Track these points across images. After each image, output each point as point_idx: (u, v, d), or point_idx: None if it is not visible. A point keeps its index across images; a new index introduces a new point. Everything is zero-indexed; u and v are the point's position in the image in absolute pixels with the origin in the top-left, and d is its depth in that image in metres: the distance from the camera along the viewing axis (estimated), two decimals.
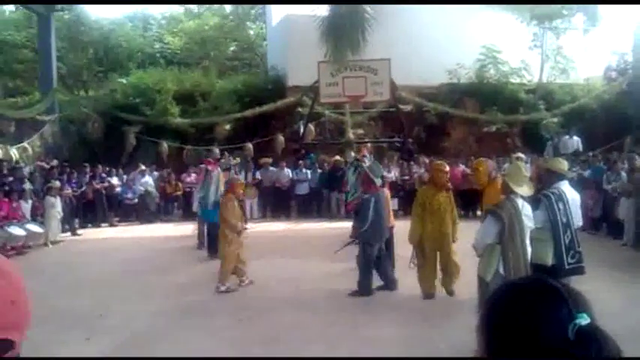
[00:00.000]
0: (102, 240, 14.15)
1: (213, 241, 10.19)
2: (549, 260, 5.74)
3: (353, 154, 15.50)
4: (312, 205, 17.30)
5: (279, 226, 15.52)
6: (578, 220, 6.15)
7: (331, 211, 16.64)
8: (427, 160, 17.07)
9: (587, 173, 14.17)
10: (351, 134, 18.23)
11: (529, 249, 5.63)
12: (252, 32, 29.56)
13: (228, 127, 19.09)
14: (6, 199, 12.71)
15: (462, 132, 19.91)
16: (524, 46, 20.34)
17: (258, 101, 19.10)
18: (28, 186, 14.16)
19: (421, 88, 19.25)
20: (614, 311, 6.46)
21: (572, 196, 6.01)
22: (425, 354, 5.61)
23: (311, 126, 18.63)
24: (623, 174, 12.75)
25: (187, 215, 15.71)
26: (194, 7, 30.73)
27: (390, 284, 8.12)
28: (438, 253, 7.72)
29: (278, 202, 17.31)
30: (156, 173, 17.65)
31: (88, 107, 19.61)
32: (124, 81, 21.18)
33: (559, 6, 19.98)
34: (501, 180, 6.13)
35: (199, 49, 26.39)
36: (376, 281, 8.14)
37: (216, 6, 30.21)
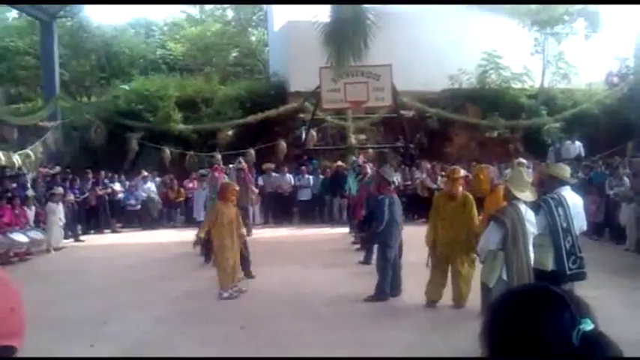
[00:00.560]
0: (104, 246, 14.16)
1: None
2: (549, 266, 5.74)
3: (354, 158, 15.55)
4: (315, 211, 17.30)
5: (282, 232, 15.51)
6: (582, 224, 6.15)
7: (333, 217, 16.64)
8: (429, 166, 17.09)
9: (589, 178, 14.17)
10: (353, 140, 18.27)
11: (532, 255, 5.63)
12: (254, 38, 29.61)
13: (230, 133, 19.11)
14: (8, 206, 12.73)
15: (463, 137, 19.92)
16: (525, 52, 20.36)
17: (261, 107, 19.12)
18: (30, 192, 14.18)
19: (423, 93, 19.27)
20: (617, 317, 6.45)
21: (574, 201, 6.00)
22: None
23: (313, 132, 18.66)
24: (626, 179, 12.75)
25: (190, 221, 15.72)
26: (196, 14, 30.80)
27: (394, 290, 8.11)
28: (452, 262, 7.58)
29: (280, 208, 17.31)
30: (158, 179, 17.67)
31: (90, 114, 19.64)
32: (127, 87, 21.22)
33: (560, 11, 20.01)
34: (503, 186, 6.14)
35: (201, 56, 26.44)
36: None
37: (218, 12, 30.28)
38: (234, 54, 28.56)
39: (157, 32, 28.71)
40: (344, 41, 14.98)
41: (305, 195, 17.14)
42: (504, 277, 5.57)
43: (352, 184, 13.31)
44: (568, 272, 5.74)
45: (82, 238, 14.99)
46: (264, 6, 25.98)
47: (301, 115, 19.17)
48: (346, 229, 14.11)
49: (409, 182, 16.76)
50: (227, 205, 8.60)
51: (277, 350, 6.09)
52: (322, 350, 5.91)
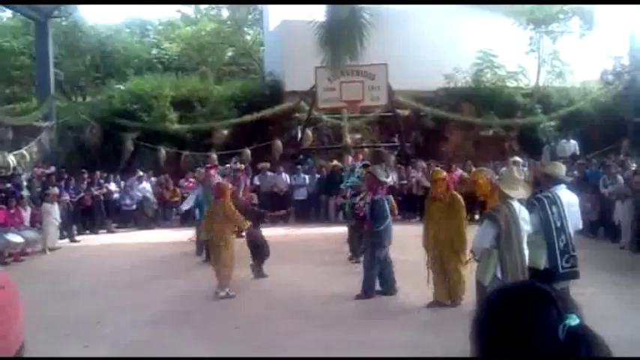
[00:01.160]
0: (100, 246, 14.12)
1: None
2: (542, 264, 5.75)
3: (351, 159, 15.54)
4: (310, 211, 17.29)
5: (277, 232, 15.49)
6: (577, 222, 6.16)
7: (329, 216, 16.64)
8: (425, 165, 17.11)
9: (584, 177, 14.20)
10: (348, 139, 18.26)
11: (526, 253, 5.64)
12: (249, 38, 29.59)
13: (225, 132, 19.09)
14: (3, 206, 12.70)
15: (459, 136, 19.94)
16: (520, 50, 20.40)
17: (256, 107, 19.11)
18: (25, 193, 14.15)
19: (418, 92, 19.28)
20: (612, 314, 6.48)
21: (569, 199, 6.01)
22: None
23: (309, 131, 18.66)
24: (619, 177, 12.79)
25: (185, 221, 15.70)
26: (191, 13, 30.78)
27: (390, 289, 8.12)
28: (444, 262, 7.58)
29: (276, 208, 17.27)
30: (154, 179, 17.63)
31: (85, 114, 19.60)
32: (122, 87, 21.19)
33: (555, 10, 20.06)
34: (497, 188, 6.16)
35: (197, 55, 26.41)
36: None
37: (213, 12, 30.26)
38: (229, 53, 28.55)
39: (152, 32, 28.69)
40: (339, 41, 14.99)
41: (301, 194, 17.13)
42: (499, 275, 5.59)
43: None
44: (561, 271, 5.74)
45: (77, 238, 14.95)
46: (260, 5, 25.96)
47: (297, 115, 19.16)
48: (342, 229, 14.08)
49: (405, 181, 16.77)
50: (222, 205, 8.63)
51: (272, 350, 6.10)
52: (317, 350, 5.92)
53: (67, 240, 14.55)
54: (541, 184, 6.65)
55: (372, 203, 8.29)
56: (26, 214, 13.33)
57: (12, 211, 12.78)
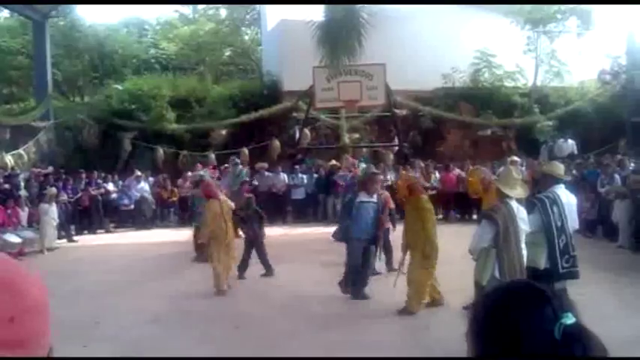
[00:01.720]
0: (98, 246, 14.11)
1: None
2: (542, 264, 5.75)
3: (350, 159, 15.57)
4: (309, 210, 17.29)
5: (276, 231, 15.49)
6: (574, 223, 6.17)
7: (327, 216, 16.63)
8: (422, 164, 17.12)
9: (582, 176, 14.23)
10: (346, 139, 18.27)
11: (525, 252, 5.65)
12: (247, 37, 29.58)
13: (223, 132, 19.08)
14: (1, 206, 12.69)
15: (457, 136, 19.96)
16: (518, 50, 20.43)
17: (254, 106, 19.11)
18: (23, 193, 14.14)
19: (416, 92, 19.31)
20: (610, 314, 6.49)
21: (567, 199, 6.02)
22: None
23: (307, 131, 18.66)
24: (617, 176, 12.81)
25: (184, 221, 15.69)
26: (189, 13, 30.76)
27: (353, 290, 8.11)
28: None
29: (274, 207, 17.28)
30: (152, 179, 17.62)
31: (83, 113, 19.58)
32: (120, 87, 21.16)
33: (553, 10, 20.09)
34: (495, 188, 6.15)
35: (194, 55, 26.37)
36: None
37: (211, 12, 30.25)
38: (227, 53, 28.51)
39: (150, 32, 28.62)
40: (337, 40, 15.01)
41: (299, 194, 17.13)
42: (497, 274, 5.59)
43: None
44: (561, 270, 5.75)
45: (75, 238, 14.94)
46: (258, 5, 25.95)
47: (295, 115, 19.16)
48: None
49: None
50: (214, 203, 8.71)
51: (271, 350, 6.10)
52: (316, 350, 5.92)
53: (64, 240, 14.53)
54: (539, 183, 6.66)
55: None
56: (24, 214, 13.32)
57: (9, 211, 12.78)
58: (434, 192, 16.39)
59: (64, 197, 14.94)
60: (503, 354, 1.10)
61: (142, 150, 18.84)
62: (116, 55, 24.85)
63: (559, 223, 5.77)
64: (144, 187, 17.01)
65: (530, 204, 5.95)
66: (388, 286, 8.06)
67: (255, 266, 9.80)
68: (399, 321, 7.05)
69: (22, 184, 14.79)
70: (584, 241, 11.11)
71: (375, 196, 8.12)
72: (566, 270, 5.78)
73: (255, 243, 9.64)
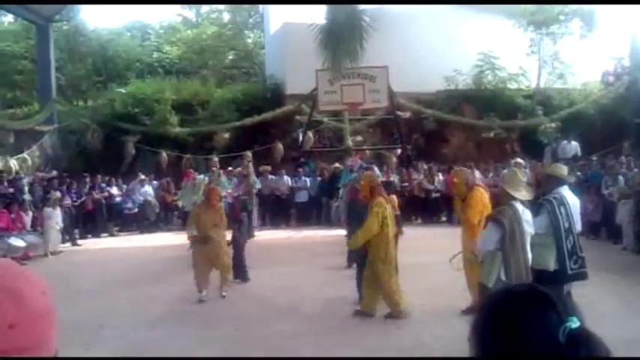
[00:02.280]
0: (102, 250, 14.13)
1: None
2: (552, 266, 5.75)
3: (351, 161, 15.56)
4: (312, 213, 17.29)
5: (279, 234, 15.51)
6: (577, 224, 6.16)
7: (330, 219, 16.62)
8: (426, 167, 17.13)
9: (586, 178, 14.20)
10: (349, 141, 18.26)
11: (530, 254, 5.64)
12: (250, 41, 29.63)
13: (227, 135, 19.09)
14: (5, 210, 12.72)
15: (460, 138, 19.93)
16: (521, 52, 20.39)
17: (257, 110, 19.13)
18: (27, 197, 14.17)
19: (419, 94, 19.29)
20: (613, 315, 6.47)
21: (572, 201, 6.03)
22: None
23: (310, 134, 18.65)
24: (621, 178, 12.78)
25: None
26: (192, 17, 30.84)
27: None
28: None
29: (277, 210, 17.31)
30: (155, 182, 17.65)
31: (87, 117, 19.62)
32: (123, 91, 21.20)
33: (556, 11, 20.06)
34: (500, 189, 6.13)
35: (198, 59, 26.44)
36: None
37: (214, 15, 30.32)
38: (230, 57, 28.57)
39: (153, 35, 28.71)
40: (340, 43, 14.99)
41: (302, 197, 17.15)
42: (503, 277, 5.58)
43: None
44: (569, 272, 5.75)
45: (79, 242, 14.97)
46: (260, 9, 26.01)
47: (298, 118, 19.16)
48: (343, 231, 14.09)
49: (406, 184, 16.78)
50: (207, 211, 8.67)
51: (272, 352, 6.10)
52: (317, 353, 5.92)
53: (68, 244, 14.56)
54: (543, 184, 6.65)
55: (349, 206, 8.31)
56: (28, 218, 13.35)
57: (14, 215, 12.80)
58: (437, 194, 16.46)
59: (67, 201, 14.97)
60: (507, 357, 1.10)
61: (145, 153, 18.87)
62: (119, 58, 24.93)
63: (567, 225, 5.78)
64: (147, 190, 17.04)
65: (538, 205, 5.95)
66: None
67: (256, 270, 9.80)
68: (401, 324, 7.03)
69: (26, 188, 14.83)
70: (588, 242, 11.06)
71: None
72: (575, 271, 5.78)
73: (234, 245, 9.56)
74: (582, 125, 18.93)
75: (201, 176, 14.98)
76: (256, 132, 19.08)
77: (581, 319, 1.09)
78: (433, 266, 7.40)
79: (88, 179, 16.46)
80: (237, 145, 18.69)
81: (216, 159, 17.52)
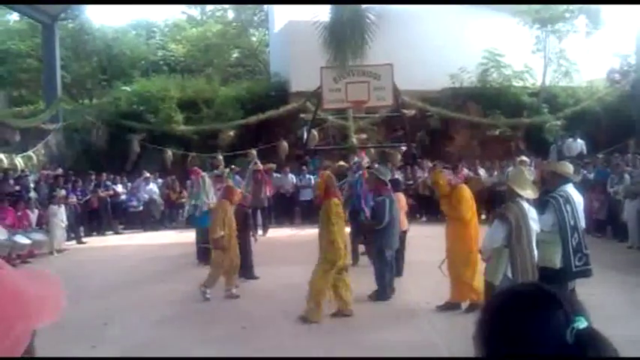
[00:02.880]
0: (106, 248, 14.17)
1: (202, 248, 10.32)
2: (557, 263, 5.74)
3: (357, 158, 15.53)
4: (316, 211, 17.24)
5: (284, 232, 15.51)
6: (582, 222, 6.16)
7: None
8: (430, 165, 17.08)
9: (592, 176, 14.15)
10: (354, 139, 18.26)
11: (536, 252, 5.63)
12: (254, 39, 29.65)
13: (231, 133, 19.12)
14: (11, 208, 12.76)
15: (465, 136, 19.89)
16: (526, 50, 20.33)
17: (262, 108, 19.13)
18: (33, 194, 14.22)
19: (424, 92, 19.25)
20: (619, 314, 6.45)
21: (577, 198, 6.03)
22: None
23: (314, 132, 18.66)
24: (626, 176, 12.73)
25: (190, 222, 15.71)
26: (197, 15, 30.85)
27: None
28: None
29: (282, 208, 17.30)
30: (160, 180, 17.68)
31: (92, 115, 19.68)
32: (128, 89, 21.24)
33: (561, 9, 19.99)
34: (506, 186, 6.14)
35: (202, 57, 26.46)
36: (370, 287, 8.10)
37: (218, 13, 30.34)
38: (235, 55, 28.59)
39: (158, 33, 28.74)
40: (344, 41, 14.99)
41: (307, 195, 17.11)
42: (509, 274, 5.57)
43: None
44: (574, 269, 5.75)
45: (84, 239, 15.02)
46: (265, 7, 26.01)
47: (302, 116, 19.16)
48: (347, 230, 14.07)
49: (411, 181, 16.75)
50: (230, 208, 8.69)
51: (278, 351, 6.09)
52: (322, 351, 5.92)
53: (73, 242, 14.61)
54: (548, 182, 6.64)
55: (375, 204, 8.28)
56: (33, 215, 13.39)
57: (19, 213, 12.84)
58: None
59: (73, 199, 15.01)
60: (513, 357, 1.09)
61: (150, 151, 18.90)
62: (124, 57, 24.97)
63: (572, 222, 5.78)
64: (152, 188, 17.07)
65: (544, 203, 5.95)
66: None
67: (261, 268, 9.81)
68: (404, 322, 7.03)
69: (32, 185, 14.89)
70: (594, 241, 11.03)
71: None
72: (579, 268, 5.78)
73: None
74: (588, 123, 18.87)
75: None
76: (261, 130, 19.10)
77: (589, 319, 1.08)
78: (438, 264, 7.38)
79: (93, 177, 16.51)
80: (241, 143, 18.72)
81: (220, 157, 17.55)
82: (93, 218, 16.16)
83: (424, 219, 16.35)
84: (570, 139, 18.00)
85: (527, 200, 5.74)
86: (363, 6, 15.63)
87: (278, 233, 15.29)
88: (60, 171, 16.86)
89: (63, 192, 14.26)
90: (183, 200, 16.96)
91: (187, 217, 13.48)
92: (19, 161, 16.02)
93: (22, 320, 1.05)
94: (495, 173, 16.08)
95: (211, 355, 5.95)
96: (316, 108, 17.99)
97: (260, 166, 13.77)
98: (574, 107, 19.29)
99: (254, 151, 18.02)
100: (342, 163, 16.82)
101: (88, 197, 15.82)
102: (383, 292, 7.87)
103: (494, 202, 13.58)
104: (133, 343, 6.55)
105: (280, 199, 17.13)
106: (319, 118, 18.55)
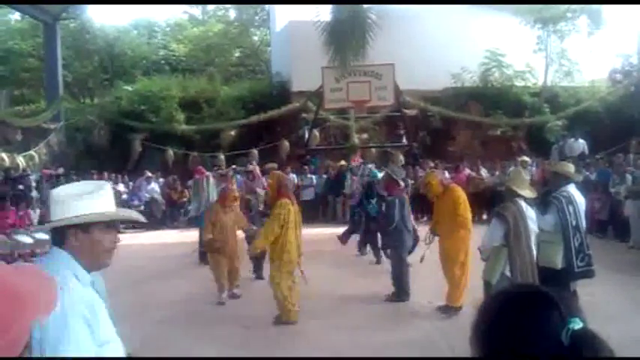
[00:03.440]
0: None
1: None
2: (559, 264, 5.74)
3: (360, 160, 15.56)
4: (318, 211, 17.27)
5: None
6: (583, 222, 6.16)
7: (337, 217, 16.62)
8: (432, 164, 17.08)
9: (593, 176, 14.14)
10: (355, 139, 18.25)
11: (534, 251, 5.63)
12: (256, 38, 29.67)
13: (233, 133, 19.13)
14: (13, 207, 12.75)
15: (466, 136, 19.87)
16: (528, 50, 20.32)
17: (263, 107, 19.13)
18: (34, 194, 14.22)
19: (425, 92, 19.25)
20: (620, 314, 6.45)
21: (579, 199, 6.02)
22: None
23: (316, 131, 18.65)
24: (628, 176, 12.72)
25: (193, 222, 15.71)
26: (199, 14, 30.88)
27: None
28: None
29: None
30: (162, 180, 17.69)
31: (93, 115, 19.71)
32: (130, 88, 21.27)
33: (563, 9, 19.97)
34: (505, 187, 6.14)
35: (204, 56, 26.49)
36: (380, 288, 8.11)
37: (220, 13, 30.36)
38: (236, 54, 28.63)
39: (160, 33, 28.78)
40: (346, 41, 14.98)
41: (308, 195, 17.11)
42: (507, 273, 5.57)
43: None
44: (576, 270, 5.75)
45: None
46: (267, 6, 26.02)
47: (304, 115, 19.17)
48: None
49: (413, 181, 16.73)
50: (224, 211, 8.63)
51: (280, 350, 6.10)
52: (326, 351, 5.92)
53: None
54: (550, 182, 6.64)
55: (386, 204, 8.28)
56: (35, 215, 13.39)
57: (21, 212, 12.84)
58: None
59: None
60: (510, 358, 1.09)
61: (151, 151, 18.91)
62: (126, 56, 25.02)
63: (574, 222, 5.78)
64: (154, 188, 17.08)
65: (546, 203, 5.95)
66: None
67: (265, 267, 9.80)
68: (409, 322, 7.03)
69: (34, 185, 14.90)
70: (595, 241, 11.02)
71: None
72: (581, 269, 5.78)
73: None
74: (589, 123, 18.84)
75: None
76: (262, 129, 19.10)
77: (584, 319, 1.08)
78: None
79: (94, 176, 16.49)
80: (243, 142, 18.73)
81: (222, 157, 17.56)
82: None
83: (425, 219, 16.32)
84: (572, 139, 17.97)
85: (526, 200, 5.74)
86: (365, 6, 15.61)
87: None
88: (61, 170, 16.87)
89: None
90: (185, 200, 17.04)
91: (190, 217, 13.46)
92: (20, 160, 16.02)
93: (20, 316, 1.06)
94: (497, 173, 16.06)
95: (212, 355, 5.95)
96: (317, 108, 17.98)
97: (252, 167, 13.76)
98: (576, 107, 19.26)
99: (255, 151, 18.06)
100: (343, 162, 16.87)
101: None
102: (401, 292, 7.84)
103: (496, 202, 13.55)
104: (134, 342, 6.52)
105: None
106: (320, 117, 18.54)
